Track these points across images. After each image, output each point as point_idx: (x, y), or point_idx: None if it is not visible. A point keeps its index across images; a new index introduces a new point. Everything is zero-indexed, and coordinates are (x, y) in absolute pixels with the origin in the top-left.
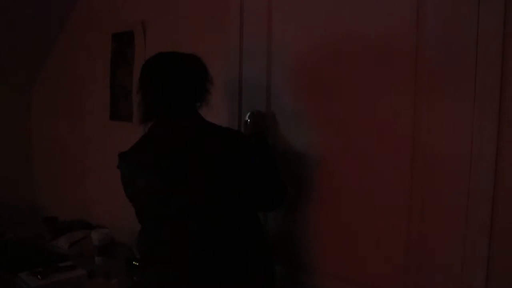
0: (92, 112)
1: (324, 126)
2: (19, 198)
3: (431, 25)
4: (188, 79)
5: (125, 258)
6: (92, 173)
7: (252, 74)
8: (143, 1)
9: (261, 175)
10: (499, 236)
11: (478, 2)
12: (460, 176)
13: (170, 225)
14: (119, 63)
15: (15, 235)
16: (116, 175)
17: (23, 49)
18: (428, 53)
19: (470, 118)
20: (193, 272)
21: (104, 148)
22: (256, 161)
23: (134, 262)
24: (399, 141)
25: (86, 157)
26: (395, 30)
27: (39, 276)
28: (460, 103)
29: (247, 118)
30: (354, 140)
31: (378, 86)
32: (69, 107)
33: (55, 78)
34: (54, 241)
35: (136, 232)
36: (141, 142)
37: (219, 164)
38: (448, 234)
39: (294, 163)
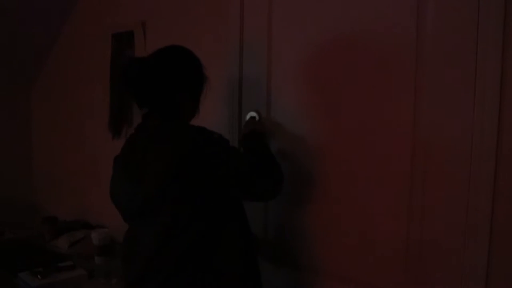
0: (91, 112)
1: (324, 126)
2: (19, 198)
3: (431, 23)
4: (167, 79)
5: None
6: (92, 173)
7: (252, 74)
8: (143, 1)
9: (245, 169)
10: (499, 235)
11: (478, 2)
12: (460, 176)
13: (133, 225)
14: (119, 63)
15: (15, 235)
16: None
17: (23, 49)
18: (429, 51)
19: (470, 117)
20: (153, 272)
21: (104, 148)
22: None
23: None
24: (400, 140)
25: (85, 157)
26: (396, 29)
27: (39, 276)
28: (461, 101)
29: (255, 115)
30: (354, 140)
31: (379, 84)
32: (68, 107)
33: (55, 78)
34: (54, 241)
35: None
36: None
37: (173, 166)
38: (448, 234)
39: (294, 163)
